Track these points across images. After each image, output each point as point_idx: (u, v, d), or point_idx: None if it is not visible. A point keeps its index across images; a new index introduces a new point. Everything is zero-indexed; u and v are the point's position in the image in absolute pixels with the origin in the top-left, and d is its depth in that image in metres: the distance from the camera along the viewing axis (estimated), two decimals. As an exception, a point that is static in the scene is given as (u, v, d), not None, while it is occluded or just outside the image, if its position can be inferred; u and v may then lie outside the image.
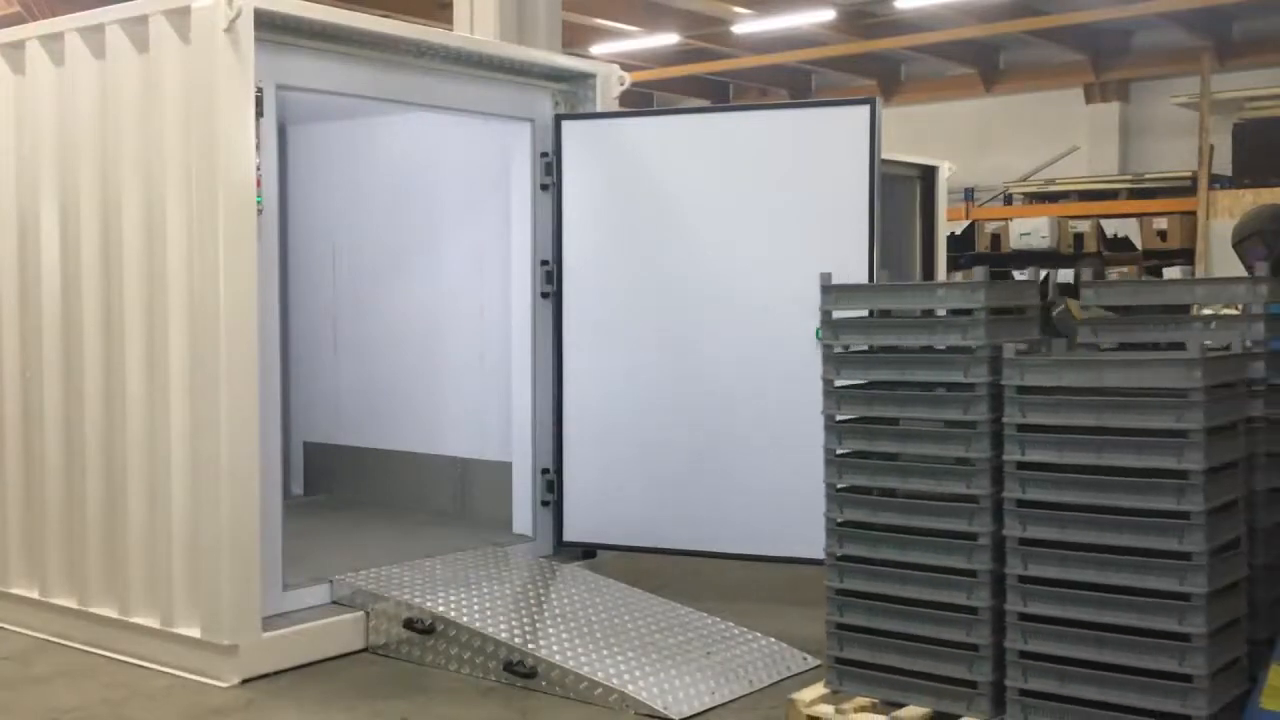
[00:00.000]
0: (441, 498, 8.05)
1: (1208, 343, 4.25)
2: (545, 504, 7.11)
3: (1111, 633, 4.30)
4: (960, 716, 4.58)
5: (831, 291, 4.95)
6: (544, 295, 7.08)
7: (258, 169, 5.62)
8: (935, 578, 4.66)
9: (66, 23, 6.18)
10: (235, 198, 5.52)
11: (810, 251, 6.57)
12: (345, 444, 8.56)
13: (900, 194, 13.14)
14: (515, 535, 7.24)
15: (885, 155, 6.78)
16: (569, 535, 7.08)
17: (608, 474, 6.96)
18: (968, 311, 4.68)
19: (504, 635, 5.70)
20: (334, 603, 6.13)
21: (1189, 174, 14.29)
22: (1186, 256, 13.81)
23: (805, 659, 5.90)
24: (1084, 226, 14.28)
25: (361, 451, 8.46)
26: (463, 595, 6.09)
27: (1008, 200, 16.09)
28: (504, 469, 7.41)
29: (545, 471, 7.11)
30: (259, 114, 5.62)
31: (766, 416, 6.68)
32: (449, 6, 10.00)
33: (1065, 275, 14.17)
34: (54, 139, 6.20)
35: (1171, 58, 16.08)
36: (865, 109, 6.45)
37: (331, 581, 6.19)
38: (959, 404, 4.63)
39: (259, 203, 5.64)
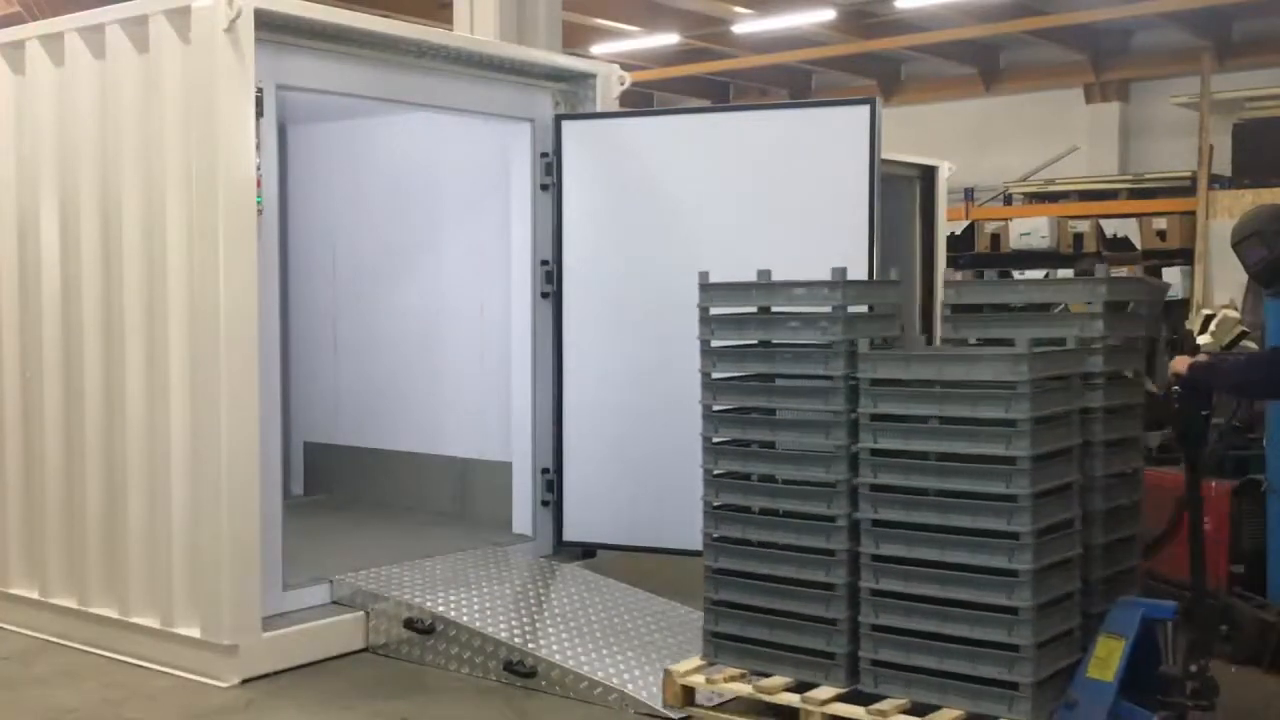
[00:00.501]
0: (441, 498, 8.05)
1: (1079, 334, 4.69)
2: (545, 504, 7.11)
3: (951, 607, 4.63)
4: (818, 684, 4.91)
5: (708, 289, 5.31)
6: (544, 295, 7.08)
7: (258, 169, 5.62)
8: (798, 557, 5.01)
9: (66, 23, 6.18)
10: (235, 198, 5.52)
11: (810, 251, 6.56)
12: (345, 444, 8.56)
13: (900, 194, 13.12)
14: (515, 535, 7.25)
15: (885, 155, 6.77)
16: (569, 535, 7.08)
17: (607, 474, 6.96)
18: (827, 310, 5.01)
19: (504, 635, 5.70)
20: (334, 603, 6.14)
21: (1189, 174, 14.29)
22: (1186, 256, 13.81)
23: (805, 659, 5.89)
24: (1084, 226, 14.27)
25: (361, 451, 8.46)
26: (463, 595, 6.09)
27: (1007, 200, 16.08)
28: (504, 469, 7.41)
29: (545, 471, 7.11)
30: (259, 114, 5.62)
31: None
32: (449, 6, 10.00)
33: (1065, 275, 14.19)
34: (54, 139, 6.21)
35: (1171, 58, 16.09)
36: (865, 109, 6.44)
37: (331, 581, 6.19)
38: (820, 396, 4.97)
39: (259, 203, 5.64)
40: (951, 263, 14.29)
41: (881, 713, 4.64)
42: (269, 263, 5.82)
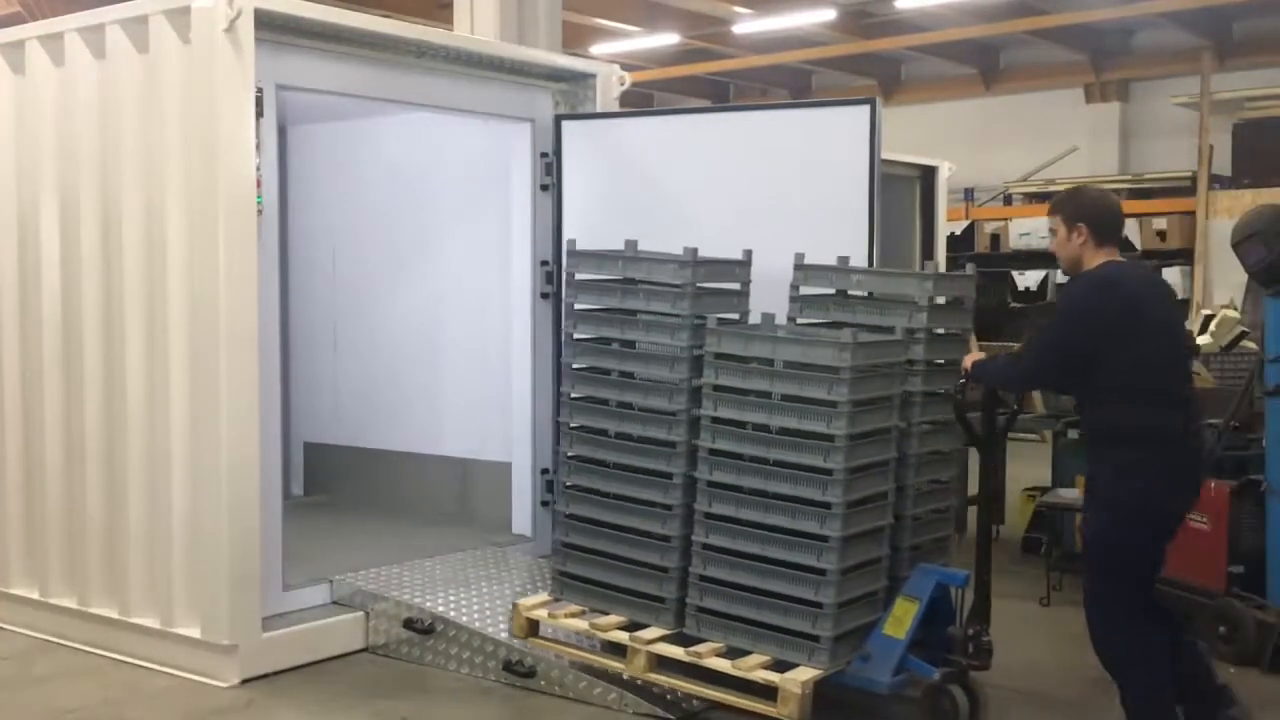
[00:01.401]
0: (442, 498, 8.04)
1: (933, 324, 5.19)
2: (545, 504, 7.10)
3: (768, 564, 5.11)
4: (648, 625, 5.37)
5: (574, 256, 5.79)
6: (544, 295, 7.08)
7: (258, 169, 5.62)
8: (638, 509, 5.46)
9: (66, 23, 6.18)
10: (235, 198, 5.52)
11: (810, 251, 6.56)
12: (345, 444, 8.55)
13: (900, 194, 13.13)
14: (515, 535, 7.25)
15: (885, 155, 6.76)
16: (569, 535, 7.08)
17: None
18: (678, 285, 5.37)
19: (504, 635, 5.70)
20: (334, 603, 6.14)
21: (1188, 174, 14.29)
22: (1186, 256, 13.81)
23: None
24: (1084, 226, 14.27)
25: (361, 451, 8.46)
26: (463, 595, 6.09)
27: (1007, 200, 16.08)
28: (504, 469, 7.41)
29: (545, 471, 7.11)
30: (259, 114, 5.62)
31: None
32: (449, 6, 10.00)
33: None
34: (54, 139, 6.21)
35: (1171, 58, 16.08)
36: (865, 109, 6.43)
37: (331, 581, 6.19)
38: (666, 362, 5.39)
39: (259, 203, 5.64)
40: (951, 263, 14.32)
41: (698, 654, 5.14)
42: (269, 263, 5.82)
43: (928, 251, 13.50)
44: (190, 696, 5.47)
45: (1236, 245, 6.32)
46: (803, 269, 5.61)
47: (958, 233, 14.76)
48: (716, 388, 5.22)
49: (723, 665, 5.08)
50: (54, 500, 6.26)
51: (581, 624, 5.48)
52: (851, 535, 5.02)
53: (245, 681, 5.57)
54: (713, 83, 19.79)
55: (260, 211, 5.66)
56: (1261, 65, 15.18)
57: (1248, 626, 5.84)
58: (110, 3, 5.96)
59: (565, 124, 7.01)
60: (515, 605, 5.67)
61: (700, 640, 5.22)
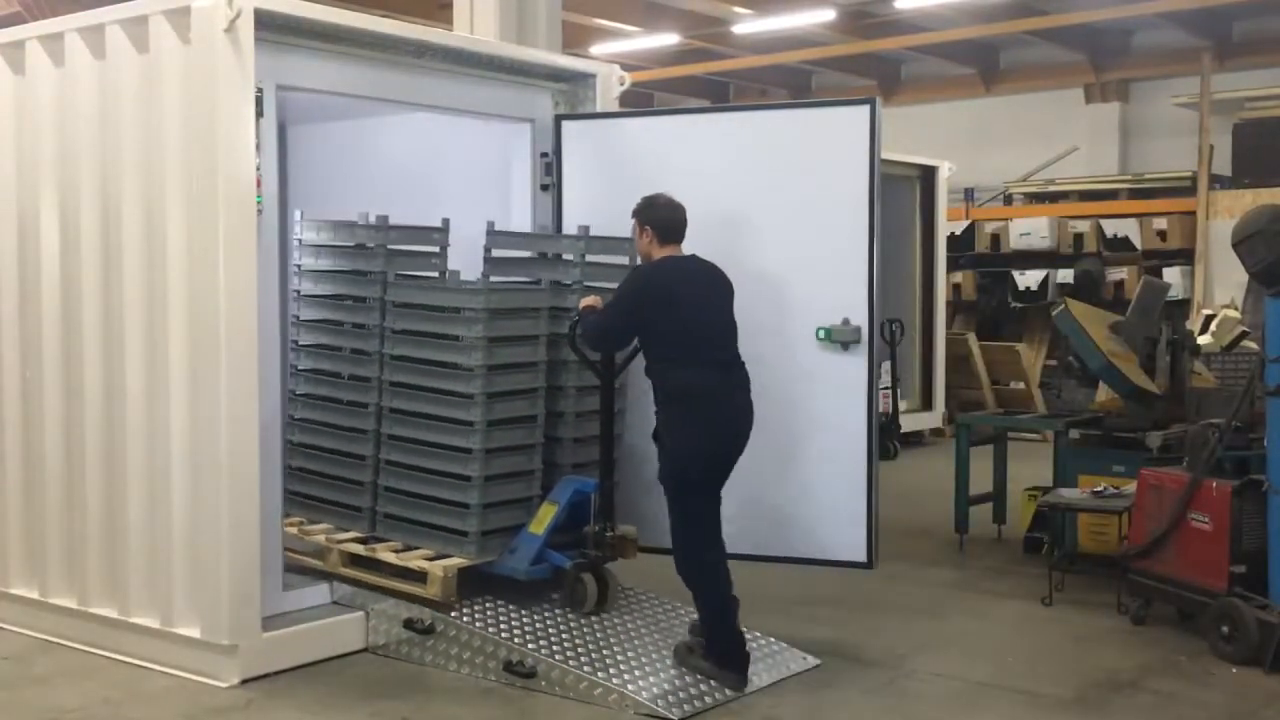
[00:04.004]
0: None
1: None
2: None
3: (431, 474, 6.10)
4: (348, 530, 6.32)
5: (305, 221, 6.78)
6: (544, 295, 7.10)
7: (258, 169, 5.62)
8: (344, 434, 6.43)
9: (66, 23, 6.18)
10: (235, 198, 5.51)
11: (810, 251, 6.57)
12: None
13: (900, 194, 13.15)
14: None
15: (885, 155, 6.76)
16: (568, 535, 7.11)
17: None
18: (372, 247, 6.38)
19: (504, 635, 5.70)
20: (334, 603, 6.13)
21: (1189, 174, 14.29)
22: (1186, 256, 13.82)
23: (805, 659, 5.90)
24: (1084, 226, 14.28)
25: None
26: (462, 595, 6.08)
27: (1008, 200, 16.09)
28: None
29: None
30: (259, 114, 5.62)
31: (767, 415, 6.66)
32: (449, 6, 10.00)
33: (1065, 275, 14.19)
34: (54, 139, 6.20)
35: (1171, 58, 16.08)
36: (865, 109, 6.44)
37: (331, 581, 6.18)
38: (363, 311, 6.38)
39: (259, 203, 5.64)
40: (952, 263, 14.33)
41: (373, 550, 6.09)
42: (269, 263, 5.82)
43: (928, 251, 13.54)
44: (190, 696, 5.47)
45: (1237, 245, 6.32)
46: (492, 235, 6.56)
47: (958, 233, 14.78)
48: (394, 331, 6.23)
49: (390, 557, 6.03)
50: (54, 500, 6.26)
51: (292, 530, 6.32)
52: (494, 449, 6.01)
53: (245, 681, 5.56)
54: (713, 83, 19.79)
55: (260, 211, 5.66)
56: (1261, 65, 15.18)
57: (1250, 626, 5.84)
58: (110, 3, 5.95)
59: (565, 124, 7.01)
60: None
61: (385, 541, 6.20)
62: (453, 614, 5.84)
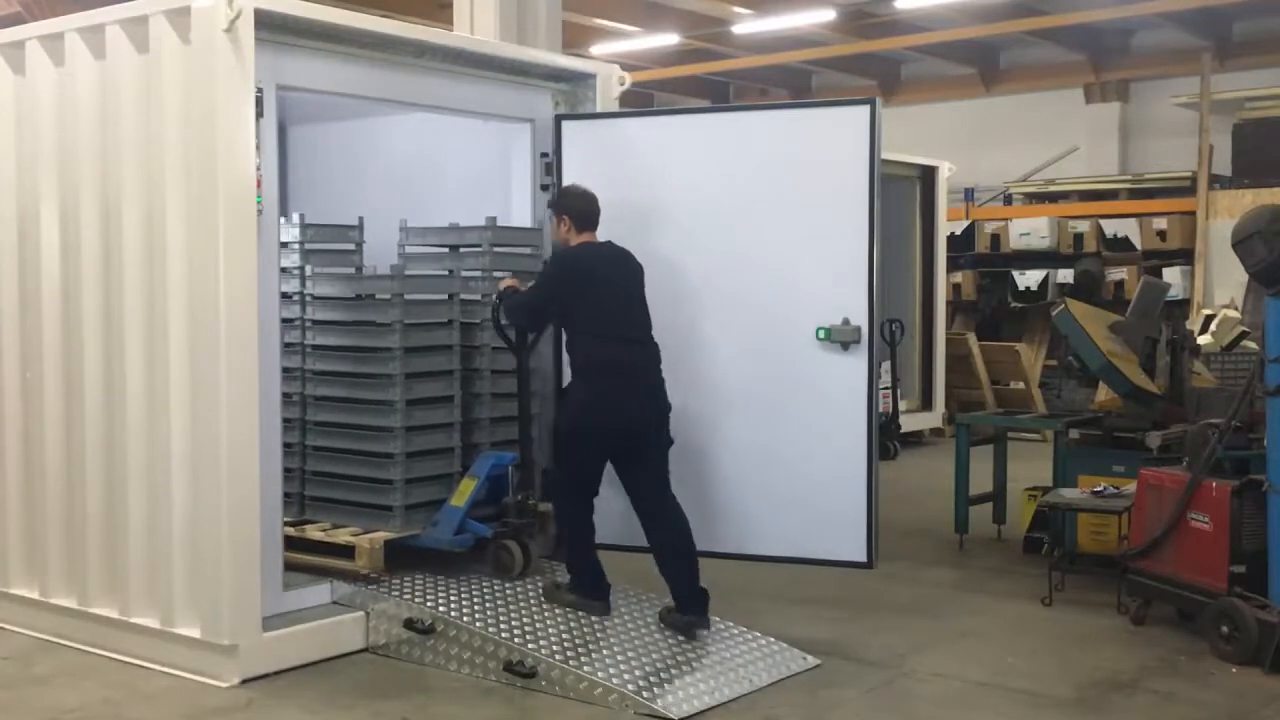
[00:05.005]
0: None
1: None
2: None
3: (356, 455, 6.49)
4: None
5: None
6: (544, 295, 7.10)
7: (258, 169, 5.62)
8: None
9: (66, 23, 6.18)
10: (235, 198, 5.51)
11: (810, 251, 6.57)
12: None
13: (900, 194, 13.16)
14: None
15: (885, 155, 6.76)
16: (568, 535, 7.11)
17: (607, 474, 6.94)
18: (292, 243, 6.74)
19: (504, 635, 5.70)
20: (334, 603, 6.13)
21: (1188, 174, 14.29)
22: (1186, 256, 13.82)
23: (805, 659, 5.90)
24: (1084, 226, 14.28)
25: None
26: (463, 595, 6.09)
27: (1008, 200, 16.09)
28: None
29: (545, 472, 7.10)
30: (259, 114, 5.62)
31: (768, 415, 6.68)
32: (449, 6, 10.01)
33: (1065, 275, 14.19)
34: (54, 139, 6.20)
35: (1171, 58, 16.08)
36: (865, 109, 6.44)
37: (331, 581, 6.18)
38: (285, 305, 6.51)
39: (259, 203, 5.64)
40: (952, 263, 14.33)
41: (303, 530, 6.37)
42: (269, 263, 5.82)
43: (928, 251, 13.54)
44: (190, 696, 5.47)
45: (1237, 245, 6.31)
46: (404, 230, 6.98)
47: (958, 233, 14.78)
48: (314, 321, 6.65)
49: (319, 535, 6.29)
50: (54, 500, 6.26)
51: None
52: (413, 427, 6.42)
53: (245, 681, 5.56)
54: (713, 83, 19.79)
55: (260, 211, 5.66)
56: (1261, 65, 15.19)
57: (1250, 626, 5.84)
58: (110, 3, 5.95)
59: (565, 124, 7.01)
60: None
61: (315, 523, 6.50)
62: (453, 613, 5.85)
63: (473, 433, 6.78)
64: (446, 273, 6.90)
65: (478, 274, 6.86)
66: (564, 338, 6.30)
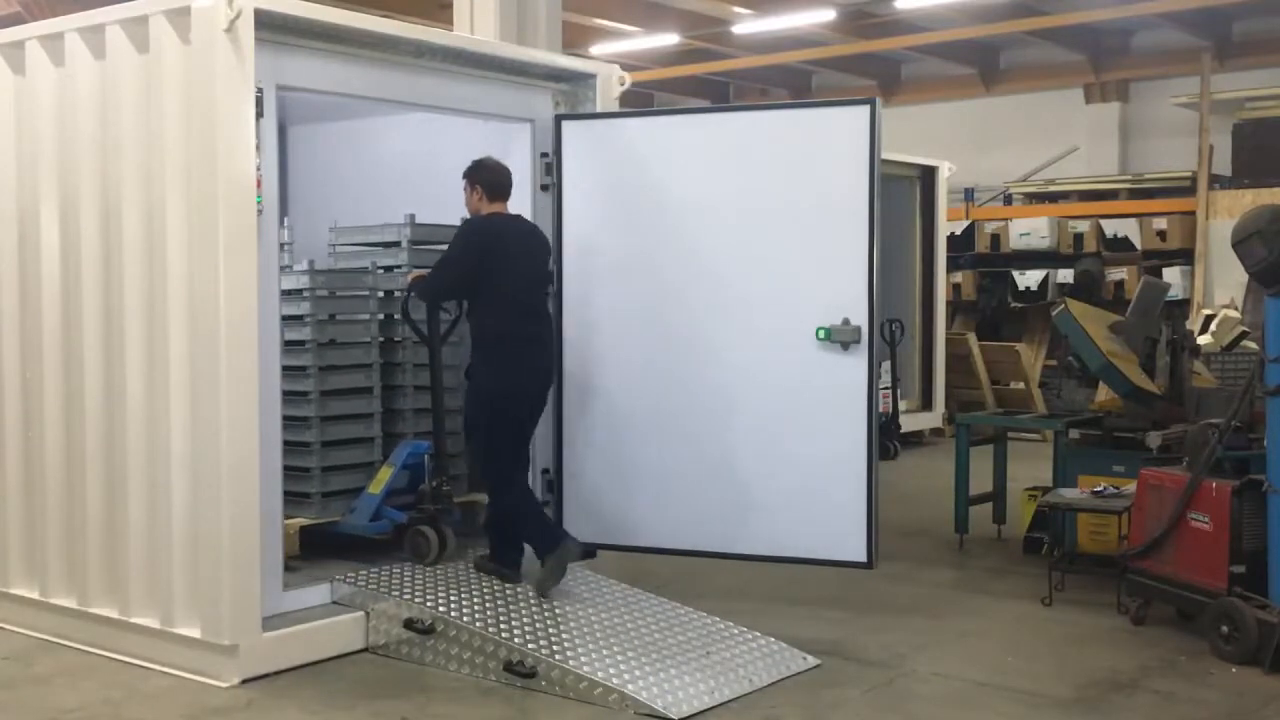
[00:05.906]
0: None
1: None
2: (545, 504, 7.09)
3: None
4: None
5: None
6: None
7: (258, 169, 5.62)
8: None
9: (66, 23, 6.18)
10: (235, 198, 5.51)
11: (810, 251, 6.57)
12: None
13: (900, 194, 13.16)
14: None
15: (885, 155, 6.77)
16: (568, 535, 7.11)
17: (607, 474, 6.96)
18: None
19: (504, 635, 5.70)
20: (334, 603, 6.13)
21: (1188, 174, 14.29)
22: (1186, 256, 13.82)
23: (805, 659, 5.90)
24: (1084, 226, 14.28)
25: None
26: (463, 595, 6.09)
27: (1008, 200, 16.09)
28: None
29: (545, 472, 7.11)
30: (259, 114, 5.62)
31: (767, 415, 6.68)
32: (449, 6, 10.00)
33: (1065, 275, 14.19)
34: (54, 139, 6.20)
35: (1171, 58, 16.08)
36: (865, 109, 6.44)
37: (331, 581, 6.19)
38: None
39: (259, 203, 5.64)
40: (952, 263, 14.33)
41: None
42: (269, 263, 5.82)
43: (928, 251, 13.55)
44: (190, 696, 5.47)
45: (1237, 245, 6.31)
46: (334, 230, 7.35)
47: (958, 233, 14.78)
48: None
49: None
50: (54, 500, 6.26)
51: None
52: (330, 417, 6.71)
53: (245, 681, 5.56)
54: (713, 83, 19.79)
55: (260, 211, 5.66)
56: (1261, 65, 15.18)
57: (1249, 626, 5.83)
58: (110, 3, 5.95)
59: (565, 124, 7.01)
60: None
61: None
62: (453, 613, 5.85)
63: (396, 423, 7.05)
64: (367, 267, 7.11)
65: (402, 268, 7.06)
66: (470, 309, 6.47)
